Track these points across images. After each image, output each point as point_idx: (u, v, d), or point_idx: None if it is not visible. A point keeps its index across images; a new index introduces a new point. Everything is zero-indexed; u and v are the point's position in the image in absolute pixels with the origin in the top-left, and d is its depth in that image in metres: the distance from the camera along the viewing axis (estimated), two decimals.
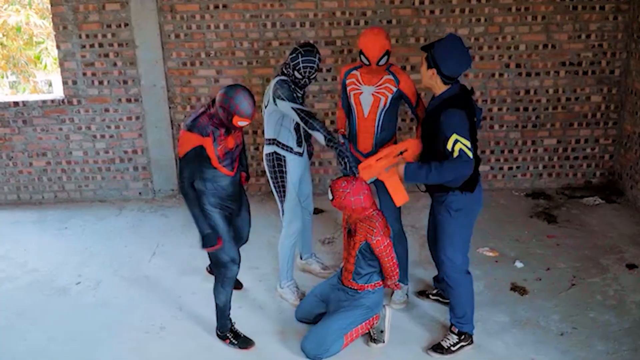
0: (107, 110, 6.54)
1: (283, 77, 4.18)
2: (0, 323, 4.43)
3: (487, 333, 4.13)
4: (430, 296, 4.55)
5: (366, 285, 3.95)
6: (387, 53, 3.97)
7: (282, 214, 4.49)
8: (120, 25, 6.29)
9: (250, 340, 4.11)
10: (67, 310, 4.61)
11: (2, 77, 12.89)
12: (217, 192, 3.87)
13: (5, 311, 4.60)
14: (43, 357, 4.03)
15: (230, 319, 4.14)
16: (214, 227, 3.86)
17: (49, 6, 6.41)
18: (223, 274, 3.98)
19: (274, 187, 4.43)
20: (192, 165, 3.71)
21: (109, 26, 6.29)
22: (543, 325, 4.21)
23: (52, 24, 6.56)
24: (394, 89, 4.12)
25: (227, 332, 4.13)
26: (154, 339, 4.19)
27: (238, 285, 4.67)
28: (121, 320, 4.42)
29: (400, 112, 4.55)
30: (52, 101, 6.55)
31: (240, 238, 4.28)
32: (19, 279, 5.10)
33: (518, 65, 6.47)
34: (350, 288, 3.98)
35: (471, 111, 3.72)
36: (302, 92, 4.27)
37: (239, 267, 4.01)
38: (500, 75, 6.49)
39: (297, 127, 4.30)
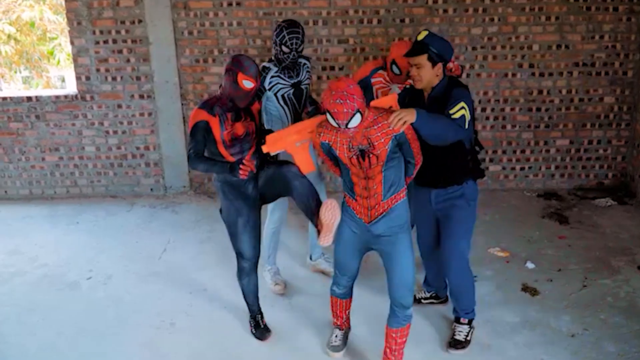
0: (119, 106, 6.56)
1: (265, 63, 4.26)
2: (10, 318, 4.45)
3: (497, 334, 4.12)
4: (423, 301, 4.47)
5: (396, 195, 3.49)
6: None
7: None
8: (134, 22, 6.31)
9: (268, 331, 4.14)
10: (78, 305, 4.62)
11: (16, 72, 12.97)
12: (227, 180, 3.82)
13: (16, 306, 4.62)
14: (53, 352, 4.04)
15: (259, 308, 4.18)
16: (224, 216, 3.92)
17: (63, 2, 6.44)
18: (237, 264, 4.02)
19: None
20: (197, 137, 3.67)
21: (122, 22, 6.31)
22: (553, 326, 4.20)
23: (66, 19, 6.59)
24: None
25: (251, 319, 4.19)
26: (165, 335, 4.20)
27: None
28: (131, 316, 4.43)
29: None
30: (65, 97, 6.59)
31: (307, 206, 3.72)
32: (30, 273, 5.12)
33: (531, 65, 6.44)
34: (385, 213, 3.52)
35: None
36: (294, 72, 4.28)
37: (250, 263, 3.98)
38: (513, 75, 6.47)
39: (297, 120, 4.31)
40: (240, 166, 3.51)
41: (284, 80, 4.26)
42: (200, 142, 3.68)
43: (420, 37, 3.54)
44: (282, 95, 4.28)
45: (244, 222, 3.86)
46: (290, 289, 4.71)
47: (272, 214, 4.60)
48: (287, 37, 4.12)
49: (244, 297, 4.14)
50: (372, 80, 4.38)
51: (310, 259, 5.01)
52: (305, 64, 4.39)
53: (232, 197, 3.85)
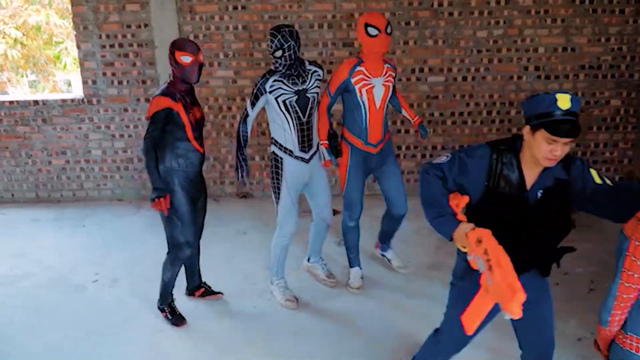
0: (126, 110, 6.59)
1: (273, 66, 4.18)
2: (16, 320, 4.46)
3: (504, 337, 4.09)
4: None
5: None
6: (389, 24, 4.17)
7: (277, 214, 4.44)
8: (140, 26, 6.33)
9: (183, 318, 4.31)
10: (83, 307, 4.63)
11: (22, 76, 13.01)
12: (187, 171, 4.01)
13: (22, 308, 4.63)
14: (58, 354, 4.04)
15: (172, 295, 4.35)
16: (176, 207, 4.01)
17: (69, 6, 6.48)
18: (175, 254, 4.15)
19: (272, 186, 4.38)
20: (158, 125, 3.81)
21: (128, 26, 6.34)
22: (560, 329, 4.15)
23: (72, 24, 6.62)
24: (394, 75, 4.38)
25: (166, 306, 4.33)
26: (169, 338, 4.20)
27: (216, 293, 4.71)
28: (137, 319, 4.43)
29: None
30: (72, 100, 6.62)
31: (196, 224, 4.28)
32: (36, 276, 5.14)
33: (537, 68, 6.44)
34: None
35: None
36: (299, 79, 4.15)
37: (190, 251, 4.19)
38: (519, 78, 6.47)
39: (302, 129, 4.20)
40: (155, 200, 3.88)
41: (287, 86, 4.09)
42: (159, 129, 3.83)
43: (566, 105, 2.51)
44: (284, 102, 4.10)
45: (192, 210, 4.08)
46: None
47: (282, 227, 4.44)
48: (275, 41, 4.01)
49: (167, 286, 4.29)
50: (353, 80, 4.21)
51: (308, 260, 4.99)
52: (315, 71, 4.24)
53: (189, 187, 4.05)
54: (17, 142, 6.71)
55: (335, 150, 4.41)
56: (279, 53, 4.03)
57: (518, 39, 6.36)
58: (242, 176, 4.24)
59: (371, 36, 4.10)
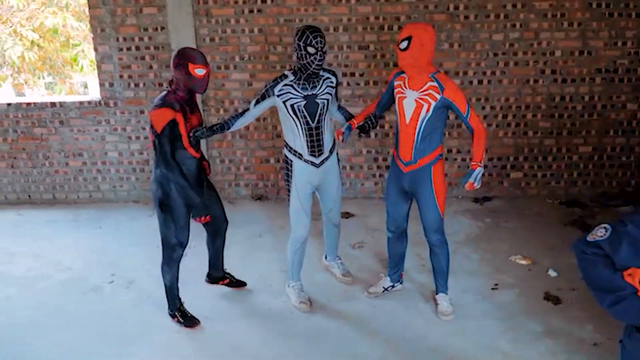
0: (142, 112, 6.62)
1: (285, 71, 4.20)
2: (33, 321, 4.48)
3: (520, 342, 4.08)
4: None
5: None
6: (409, 39, 3.81)
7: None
8: (156, 29, 6.37)
9: (196, 319, 4.32)
10: (100, 309, 4.65)
11: (39, 78, 13.11)
12: (184, 175, 4.00)
13: (39, 309, 4.66)
14: (75, 355, 4.05)
15: (180, 298, 4.36)
16: (171, 209, 4.02)
17: (87, 9, 6.52)
18: (169, 255, 4.19)
19: (285, 188, 4.42)
20: (169, 139, 3.83)
21: (145, 29, 6.38)
22: (577, 334, 4.15)
23: (89, 26, 6.68)
24: (438, 97, 3.89)
25: (176, 311, 4.34)
26: (185, 339, 4.21)
27: (242, 284, 4.85)
28: (153, 320, 4.45)
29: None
30: (89, 102, 6.67)
31: (214, 218, 4.39)
32: (53, 277, 5.17)
33: (553, 72, 6.41)
34: None
35: None
36: (310, 84, 4.13)
37: (183, 251, 4.21)
38: (535, 81, 6.44)
39: (311, 134, 4.21)
40: (203, 214, 4.04)
41: (296, 90, 4.09)
42: (170, 142, 3.84)
43: None
44: (292, 106, 4.10)
45: (187, 213, 4.09)
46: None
47: (294, 231, 4.48)
48: (311, 37, 3.96)
49: (170, 289, 4.31)
50: (394, 84, 4.16)
51: (325, 258, 5.07)
52: (328, 78, 4.21)
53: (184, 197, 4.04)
54: (34, 144, 6.77)
55: (363, 129, 4.33)
56: (312, 49, 3.97)
57: (534, 42, 6.33)
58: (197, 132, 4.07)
59: (400, 49, 3.90)
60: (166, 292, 4.34)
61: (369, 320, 4.35)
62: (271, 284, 4.88)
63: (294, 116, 4.14)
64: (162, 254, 4.23)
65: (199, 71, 3.82)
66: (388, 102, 4.29)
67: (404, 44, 3.83)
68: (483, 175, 6.64)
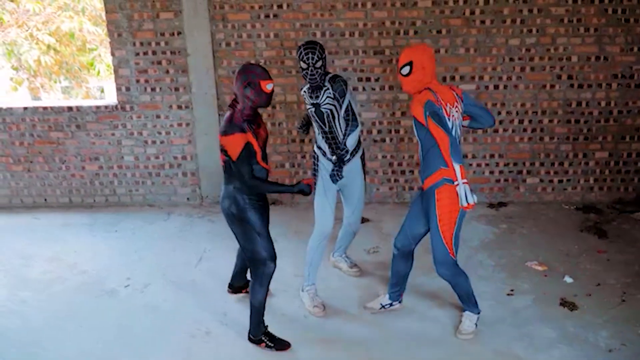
0: (158, 116, 6.66)
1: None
2: (49, 324, 4.51)
3: (535, 348, 4.06)
4: None
5: None
6: (410, 64, 3.76)
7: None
8: (173, 34, 6.41)
9: (286, 341, 4.10)
10: (115, 312, 4.67)
11: (55, 82, 13.20)
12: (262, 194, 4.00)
13: (55, 312, 4.69)
14: (90, 358, 4.09)
15: (264, 321, 4.14)
16: (252, 223, 3.94)
17: (104, 14, 6.56)
18: (261, 272, 3.98)
19: (313, 185, 4.41)
20: (248, 161, 3.77)
21: (162, 34, 6.42)
22: (592, 341, 4.13)
23: (106, 31, 6.73)
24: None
25: (262, 335, 4.12)
26: (200, 343, 4.22)
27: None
28: (168, 324, 4.46)
29: None
30: (106, 107, 6.71)
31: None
32: (69, 280, 5.20)
33: (570, 77, 6.38)
34: None
35: None
36: (314, 94, 4.39)
37: (275, 265, 4.01)
38: (552, 86, 6.42)
39: (326, 137, 4.48)
40: (311, 187, 3.98)
41: (309, 97, 4.43)
42: (248, 165, 3.77)
43: None
44: (308, 110, 4.49)
45: (267, 224, 4.04)
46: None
47: (318, 226, 4.56)
48: (303, 53, 4.24)
49: (259, 311, 4.08)
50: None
51: (333, 255, 5.20)
52: (328, 88, 4.34)
53: (261, 203, 4.00)
54: (51, 148, 6.82)
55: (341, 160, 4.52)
56: (304, 64, 4.27)
57: (551, 48, 6.31)
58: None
59: (402, 74, 3.85)
60: (251, 315, 4.11)
61: (383, 325, 4.34)
62: (285, 288, 4.88)
63: (312, 118, 4.50)
64: (251, 273, 4.04)
65: (269, 86, 3.78)
66: None
67: (405, 70, 3.79)
68: (498, 181, 6.69)
